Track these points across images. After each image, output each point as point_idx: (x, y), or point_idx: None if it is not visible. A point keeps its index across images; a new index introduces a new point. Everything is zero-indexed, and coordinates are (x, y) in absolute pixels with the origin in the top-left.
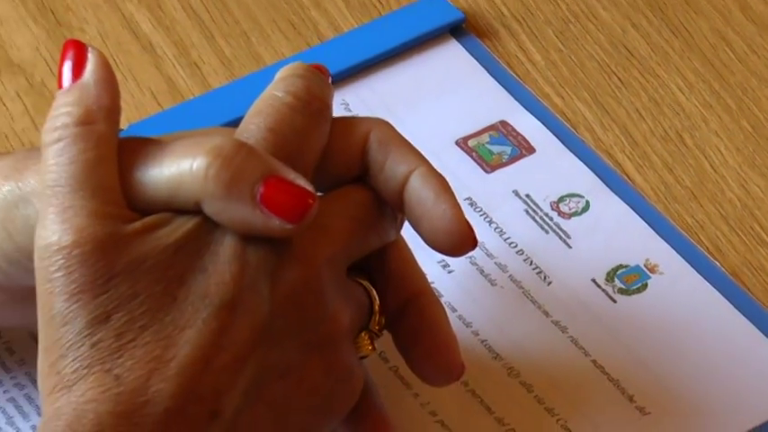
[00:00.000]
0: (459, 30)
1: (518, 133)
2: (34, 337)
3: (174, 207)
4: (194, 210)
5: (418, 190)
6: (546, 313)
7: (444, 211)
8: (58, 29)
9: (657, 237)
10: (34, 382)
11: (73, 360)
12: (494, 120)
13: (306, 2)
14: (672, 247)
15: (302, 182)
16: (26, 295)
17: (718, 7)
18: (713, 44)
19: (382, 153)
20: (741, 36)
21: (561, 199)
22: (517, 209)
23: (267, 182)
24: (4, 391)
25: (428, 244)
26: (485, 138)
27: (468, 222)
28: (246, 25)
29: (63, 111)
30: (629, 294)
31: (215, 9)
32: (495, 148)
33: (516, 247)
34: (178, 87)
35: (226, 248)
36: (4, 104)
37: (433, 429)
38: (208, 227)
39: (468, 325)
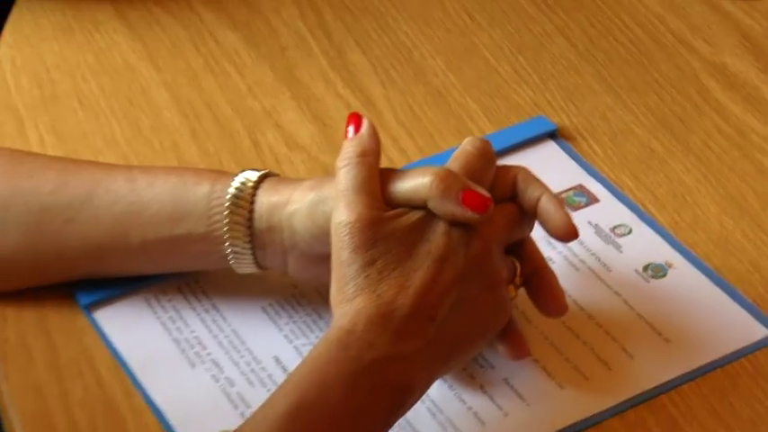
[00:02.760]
0: (553, 135)
1: (588, 191)
2: (318, 291)
3: (411, 204)
4: (422, 206)
5: (546, 204)
6: (608, 287)
7: (561, 217)
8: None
9: (671, 247)
10: (319, 316)
11: (353, 286)
12: (575, 183)
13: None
14: (678, 252)
15: (484, 192)
16: (319, 260)
17: None
18: None
19: (524, 184)
20: None
21: (615, 227)
22: (590, 231)
23: (465, 191)
24: (298, 318)
25: (552, 236)
26: (571, 193)
27: (574, 225)
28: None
29: (349, 149)
30: (657, 279)
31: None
32: (576, 198)
33: (590, 251)
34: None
35: (440, 228)
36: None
37: (543, 345)
38: (430, 216)
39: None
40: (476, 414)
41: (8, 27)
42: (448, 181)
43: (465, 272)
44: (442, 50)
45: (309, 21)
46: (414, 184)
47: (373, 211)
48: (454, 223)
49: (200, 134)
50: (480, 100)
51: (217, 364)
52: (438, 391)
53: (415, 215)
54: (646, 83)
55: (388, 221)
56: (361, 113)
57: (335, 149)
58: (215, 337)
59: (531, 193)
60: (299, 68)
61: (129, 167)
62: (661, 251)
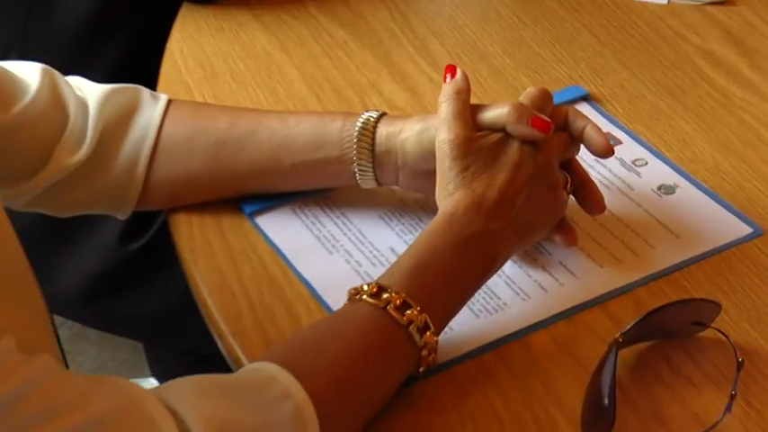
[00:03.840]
0: (586, 98)
1: (614, 137)
2: (418, 202)
3: (494, 128)
4: (502, 129)
5: (590, 131)
6: (632, 200)
7: (601, 140)
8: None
9: (677, 174)
10: (420, 220)
11: (453, 185)
12: (604, 132)
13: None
14: (683, 177)
15: (546, 118)
16: (423, 175)
17: None
18: None
19: (573, 117)
20: None
21: (635, 160)
22: (617, 163)
23: (533, 117)
24: (405, 222)
25: (594, 154)
26: None
27: (611, 145)
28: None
29: (447, 89)
30: (668, 195)
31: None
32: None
33: (617, 176)
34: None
35: (515, 144)
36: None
37: (586, 239)
38: (507, 136)
39: None
40: (539, 284)
41: (175, 27)
42: (521, 110)
43: (533, 175)
44: (498, 41)
45: (398, 21)
46: (496, 113)
47: (467, 131)
48: (525, 141)
49: (323, 100)
50: (530, 75)
51: (348, 252)
52: (511, 269)
53: (496, 135)
54: (652, 62)
55: (477, 139)
56: (455, 65)
57: (423, 110)
58: (344, 234)
59: (578, 124)
60: (393, 54)
61: (281, 112)
62: (670, 176)
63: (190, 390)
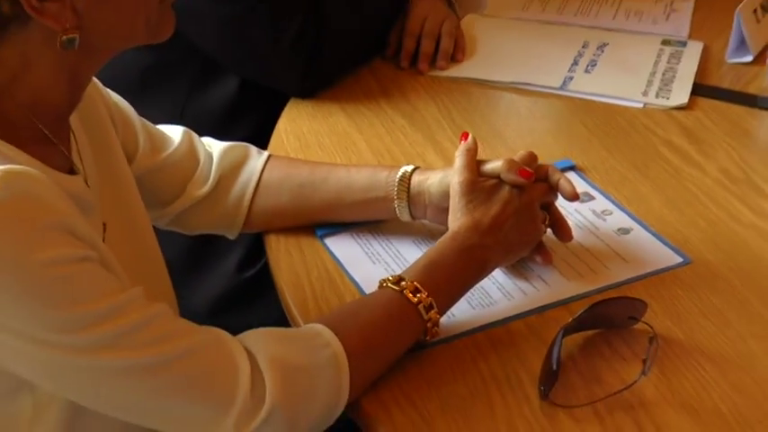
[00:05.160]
0: (573, 168)
1: (590, 195)
2: (440, 231)
3: (492, 176)
4: (497, 177)
5: (562, 182)
6: (597, 237)
7: (569, 188)
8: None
9: (633, 221)
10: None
11: (460, 212)
12: (583, 191)
13: None
14: (637, 223)
15: (529, 170)
16: (443, 210)
17: None
18: None
19: (551, 172)
20: None
21: (603, 210)
22: (589, 212)
23: (520, 169)
24: (429, 244)
25: (564, 197)
26: (581, 195)
27: (577, 192)
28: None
29: (462, 147)
30: (624, 235)
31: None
32: (584, 198)
33: (588, 220)
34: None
35: (506, 187)
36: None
37: (558, 261)
38: (501, 182)
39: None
40: (521, 289)
41: (283, 112)
42: (511, 164)
43: (518, 209)
44: (515, 129)
45: (443, 113)
46: (494, 165)
47: (472, 176)
48: (514, 185)
49: (385, 164)
50: (535, 151)
51: (386, 264)
52: (501, 277)
53: (493, 180)
54: (626, 147)
55: (479, 182)
56: (468, 132)
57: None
58: (386, 251)
59: (555, 177)
60: (437, 135)
61: (347, 165)
62: (627, 222)
63: (260, 336)
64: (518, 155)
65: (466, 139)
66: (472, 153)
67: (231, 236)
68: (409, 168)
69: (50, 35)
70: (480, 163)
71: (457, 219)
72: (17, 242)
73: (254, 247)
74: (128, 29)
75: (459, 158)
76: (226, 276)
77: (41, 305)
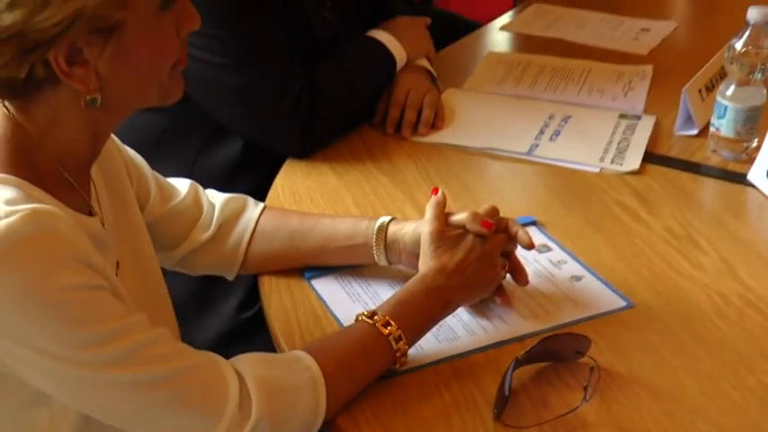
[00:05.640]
0: (534, 223)
1: (548, 246)
2: (411, 274)
3: (458, 226)
4: (462, 227)
5: (520, 233)
6: (553, 283)
7: (525, 238)
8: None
9: (585, 270)
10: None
11: (429, 257)
12: (541, 244)
13: None
14: (588, 272)
15: (491, 221)
16: (414, 256)
17: None
18: None
19: (511, 224)
20: None
21: (558, 261)
22: (547, 262)
23: (483, 220)
24: (401, 284)
25: (521, 246)
26: (539, 247)
27: (533, 242)
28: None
29: (432, 201)
30: (577, 281)
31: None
32: (542, 249)
33: (545, 268)
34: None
35: (470, 236)
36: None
37: (517, 302)
38: (466, 231)
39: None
40: (483, 327)
41: (280, 171)
42: (475, 216)
43: (480, 256)
44: (485, 188)
45: (422, 173)
46: (460, 216)
47: (441, 226)
48: (477, 235)
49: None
50: (501, 207)
51: (365, 303)
52: (466, 316)
53: (459, 230)
54: (582, 206)
55: (447, 231)
56: (438, 187)
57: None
58: (365, 291)
59: (513, 229)
60: (415, 192)
61: (332, 215)
62: (580, 271)
63: (249, 359)
64: (482, 208)
65: (436, 193)
66: (441, 206)
67: (230, 277)
68: (386, 219)
69: (76, 95)
70: (448, 215)
71: (426, 263)
72: (41, 269)
73: (252, 291)
74: (142, 91)
75: (429, 210)
76: (227, 317)
77: (59, 324)
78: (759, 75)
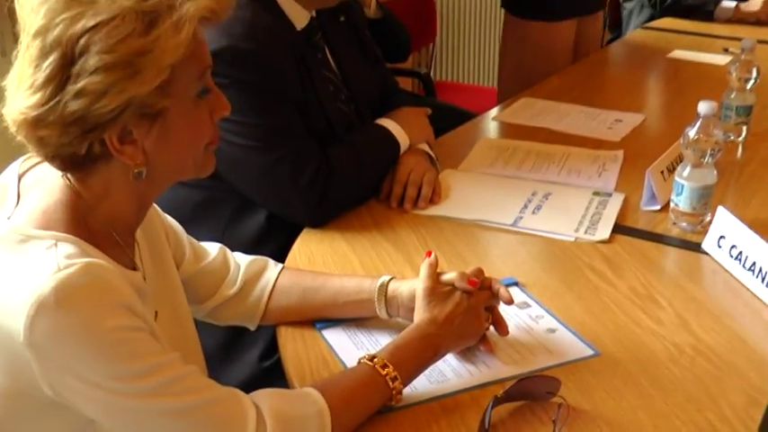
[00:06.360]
0: (516, 284)
1: (527, 304)
2: (407, 324)
3: (449, 284)
4: (452, 285)
5: (501, 290)
6: (530, 335)
7: (506, 295)
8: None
9: (559, 323)
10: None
11: (423, 310)
12: (522, 301)
13: None
14: (562, 325)
15: (476, 280)
16: (412, 310)
17: None
18: None
19: (494, 283)
20: None
21: (536, 316)
22: (526, 317)
23: (469, 279)
24: (390, 333)
25: (503, 302)
26: (520, 304)
27: (512, 298)
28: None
29: (426, 262)
30: (552, 333)
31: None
32: (523, 306)
33: (525, 322)
34: None
35: (458, 292)
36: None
37: (498, 350)
38: (455, 288)
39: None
40: (469, 371)
41: (298, 239)
42: (463, 275)
43: (467, 310)
44: (477, 253)
45: (420, 241)
46: (451, 276)
47: (433, 284)
48: (464, 291)
49: (373, 273)
50: (490, 272)
51: (367, 348)
52: (454, 360)
53: (449, 287)
54: (558, 269)
55: (438, 288)
56: (432, 251)
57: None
58: (368, 340)
59: (495, 287)
60: (414, 257)
61: (341, 274)
62: (554, 324)
63: (265, 393)
64: (469, 269)
65: (429, 255)
66: (434, 266)
67: (252, 327)
68: (387, 278)
69: (126, 169)
70: (440, 274)
71: (420, 315)
72: (94, 313)
73: (272, 342)
74: (181, 166)
75: (423, 270)
76: (250, 365)
77: (106, 359)
78: (710, 158)
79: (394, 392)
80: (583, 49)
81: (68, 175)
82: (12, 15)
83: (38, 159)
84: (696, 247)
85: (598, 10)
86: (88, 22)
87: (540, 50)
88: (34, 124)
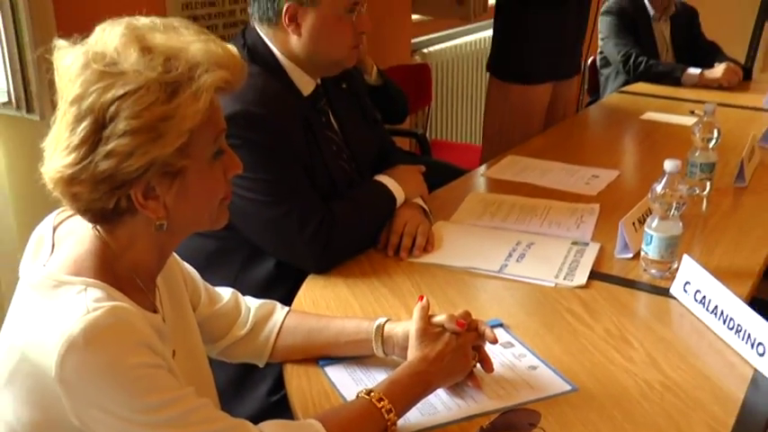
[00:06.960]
0: (501, 325)
1: (511, 344)
2: (401, 362)
3: (439, 325)
4: (442, 326)
5: (486, 331)
6: (513, 371)
7: (490, 335)
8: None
9: (540, 361)
10: (384, 371)
11: (415, 349)
12: (506, 341)
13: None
14: (543, 363)
15: (464, 321)
16: (405, 348)
17: None
18: None
19: (480, 324)
20: None
21: (519, 354)
22: (511, 356)
23: (458, 320)
24: (386, 370)
25: (487, 341)
26: (504, 343)
27: (497, 338)
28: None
29: (418, 305)
30: (533, 370)
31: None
32: (508, 345)
33: (509, 360)
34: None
35: (447, 333)
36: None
37: (484, 386)
38: (445, 330)
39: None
40: (458, 404)
41: (303, 284)
42: (452, 317)
43: (455, 349)
44: (466, 296)
45: (414, 286)
46: (441, 318)
47: (425, 326)
48: (453, 332)
49: (371, 316)
50: (477, 315)
51: (365, 384)
52: (444, 395)
53: (439, 329)
54: (540, 313)
55: (430, 329)
56: (424, 295)
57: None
58: (366, 376)
59: (481, 328)
60: (409, 301)
61: (342, 317)
62: (535, 362)
63: (272, 424)
64: (457, 312)
65: (422, 299)
66: (425, 309)
67: (260, 364)
68: (383, 320)
69: (149, 221)
70: (431, 316)
71: (413, 353)
72: (118, 351)
73: (279, 378)
74: (198, 219)
75: (416, 313)
76: (259, 399)
77: (128, 394)
78: (675, 211)
79: (389, 424)
80: (560, 110)
81: (98, 227)
82: (51, 85)
83: (71, 212)
84: (665, 292)
85: (574, 75)
86: (118, 91)
87: (519, 110)
88: (69, 181)
